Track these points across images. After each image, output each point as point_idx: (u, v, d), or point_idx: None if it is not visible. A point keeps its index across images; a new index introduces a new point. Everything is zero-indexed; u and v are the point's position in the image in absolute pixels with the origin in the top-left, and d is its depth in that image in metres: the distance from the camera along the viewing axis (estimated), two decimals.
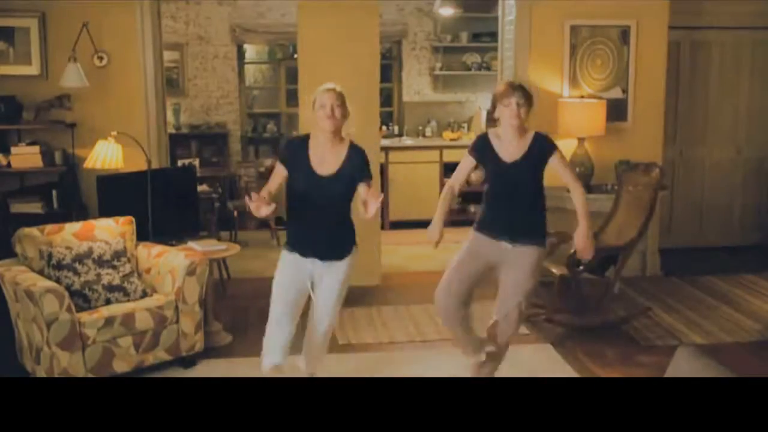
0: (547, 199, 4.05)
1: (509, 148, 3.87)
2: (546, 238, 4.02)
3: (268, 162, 8.49)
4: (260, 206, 3.56)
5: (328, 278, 3.87)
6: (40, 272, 4.37)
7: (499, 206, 3.96)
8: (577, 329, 5.19)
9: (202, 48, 9.24)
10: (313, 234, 3.82)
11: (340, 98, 3.71)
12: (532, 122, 4.02)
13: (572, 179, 3.94)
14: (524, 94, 3.80)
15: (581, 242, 3.95)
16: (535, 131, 3.93)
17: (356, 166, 3.75)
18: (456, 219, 8.61)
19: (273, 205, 3.61)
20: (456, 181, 4.04)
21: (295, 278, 3.84)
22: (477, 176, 4.00)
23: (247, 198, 3.59)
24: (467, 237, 4.08)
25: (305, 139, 3.83)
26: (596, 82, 6.36)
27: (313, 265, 3.84)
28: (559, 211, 6.09)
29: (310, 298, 3.92)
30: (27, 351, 4.31)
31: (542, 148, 3.88)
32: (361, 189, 3.71)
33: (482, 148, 3.94)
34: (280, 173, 3.83)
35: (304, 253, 3.83)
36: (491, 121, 3.99)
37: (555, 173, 3.99)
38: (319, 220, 3.81)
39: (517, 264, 3.91)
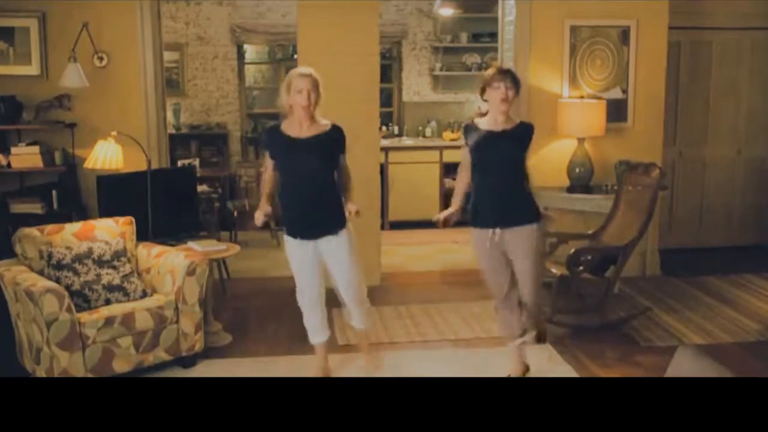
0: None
1: (495, 125, 4.09)
2: (539, 213, 4.18)
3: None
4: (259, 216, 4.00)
5: (335, 254, 4.11)
6: (40, 272, 4.37)
7: (484, 187, 4.11)
8: (577, 329, 5.19)
9: (202, 48, 9.25)
10: (303, 211, 4.06)
11: (315, 83, 3.94)
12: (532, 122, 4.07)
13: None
14: (513, 78, 4.04)
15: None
16: (521, 120, 4.19)
17: (334, 138, 4.03)
18: (456, 219, 8.61)
19: (268, 208, 4.02)
20: (461, 179, 4.25)
21: (307, 262, 4.14)
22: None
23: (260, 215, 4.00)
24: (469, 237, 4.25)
25: (278, 124, 4.08)
26: (596, 83, 6.35)
27: (315, 245, 4.09)
28: (561, 211, 6.11)
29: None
30: (27, 351, 4.31)
31: (525, 130, 4.13)
32: (341, 159, 4.08)
33: (470, 131, 4.15)
34: (269, 162, 4.10)
35: (302, 235, 4.08)
36: (480, 115, 4.23)
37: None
38: (305, 192, 4.03)
39: (518, 248, 4.08)
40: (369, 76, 6.01)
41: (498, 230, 4.07)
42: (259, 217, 4.00)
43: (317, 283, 4.20)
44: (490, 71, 4.11)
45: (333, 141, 4.04)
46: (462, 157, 4.25)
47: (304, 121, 3.98)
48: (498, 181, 4.08)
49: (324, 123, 4.05)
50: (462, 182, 4.24)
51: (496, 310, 4.34)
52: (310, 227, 4.07)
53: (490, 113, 4.10)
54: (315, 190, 4.03)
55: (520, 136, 4.09)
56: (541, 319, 4.34)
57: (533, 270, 4.12)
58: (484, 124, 4.12)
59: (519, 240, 4.06)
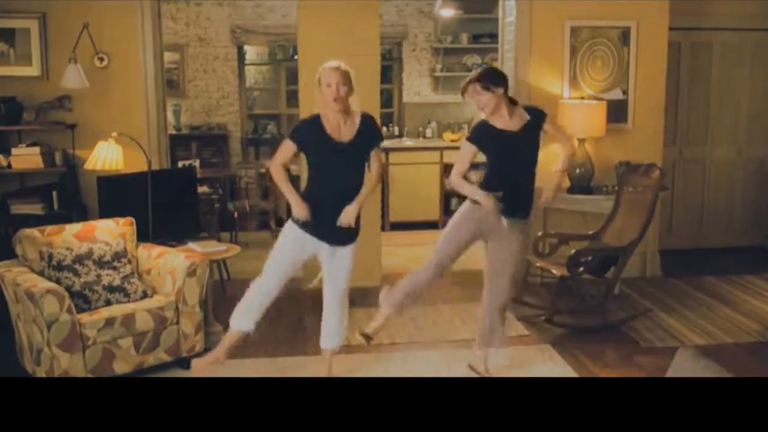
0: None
1: (507, 123, 4.06)
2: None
3: (268, 163, 8.49)
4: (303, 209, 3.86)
5: (339, 262, 4.04)
6: (41, 273, 4.37)
7: (502, 183, 4.06)
8: (577, 330, 5.19)
9: (202, 49, 9.25)
10: (329, 213, 3.89)
11: (345, 76, 3.85)
12: None
13: (563, 136, 4.28)
14: (485, 80, 3.99)
15: (549, 191, 4.24)
16: (524, 105, 4.17)
17: (370, 134, 3.93)
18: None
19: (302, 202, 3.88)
20: (462, 169, 4.14)
21: (295, 259, 4.04)
22: (477, 176, 4.13)
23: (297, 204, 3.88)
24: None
25: (317, 117, 3.92)
26: (596, 83, 6.36)
27: (320, 247, 3.99)
28: (559, 212, 6.12)
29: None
30: (27, 352, 4.31)
31: (536, 117, 4.11)
32: (372, 155, 3.96)
33: (482, 131, 4.09)
34: (289, 148, 3.92)
35: (316, 235, 3.94)
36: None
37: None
38: (339, 196, 3.90)
39: (510, 239, 4.11)
40: (369, 76, 6.01)
41: (505, 219, 4.08)
42: (304, 211, 3.85)
43: (282, 280, 4.05)
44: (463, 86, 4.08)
45: (369, 139, 3.93)
46: (461, 155, 4.15)
47: (340, 117, 3.86)
48: (517, 179, 4.10)
49: (356, 115, 3.92)
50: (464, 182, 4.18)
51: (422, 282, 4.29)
52: (334, 234, 3.94)
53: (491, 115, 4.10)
54: (347, 193, 3.91)
55: (534, 131, 4.10)
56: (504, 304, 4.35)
57: (517, 258, 4.23)
58: (496, 122, 4.08)
59: (515, 232, 4.14)
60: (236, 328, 4.15)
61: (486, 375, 4.36)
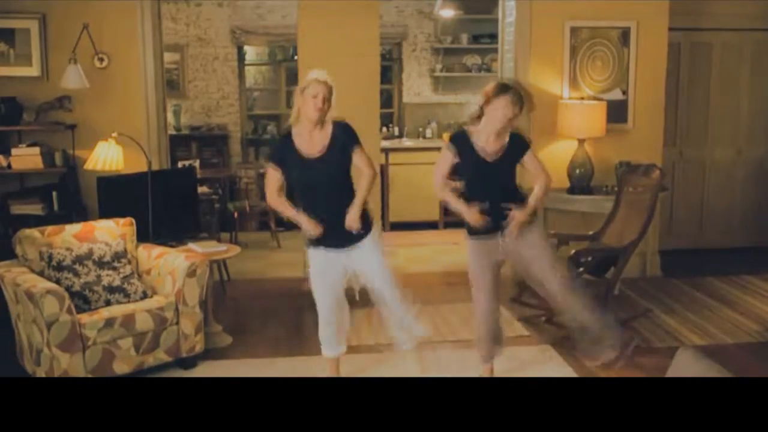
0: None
1: (486, 145, 3.94)
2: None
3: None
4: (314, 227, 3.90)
5: (365, 260, 4.03)
6: (41, 273, 4.37)
7: (479, 199, 3.97)
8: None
9: (202, 49, 9.25)
10: (326, 223, 3.92)
11: (330, 91, 3.87)
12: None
13: (539, 171, 4.05)
14: (517, 94, 3.86)
15: (515, 220, 3.98)
16: (511, 132, 3.98)
17: (343, 141, 3.92)
18: (456, 220, 8.62)
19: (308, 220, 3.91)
20: (441, 177, 4.02)
21: (331, 275, 4.05)
22: (460, 185, 4.07)
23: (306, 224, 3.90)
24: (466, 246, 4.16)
25: (288, 135, 3.96)
26: (596, 84, 6.36)
27: (341, 254, 4.00)
28: (559, 212, 6.12)
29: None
30: (27, 352, 4.31)
31: (517, 146, 3.98)
32: (355, 158, 3.95)
33: (463, 142, 3.98)
34: (274, 172, 3.98)
35: (328, 244, 3.97)
36: (475, 118, 4.01)
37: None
38: (327, 206, 3.92)
39: (526, 244, 4.02)
40: (369, 77, 6.02)
41: (501, 239, 4.01)
42: (315, 228, 3.88)
43: (335, 293, 4.10)
44: (491, 88, 3.91)
45: (343, 146, 3.92)
46: (440, 161, 4.03)
47: (313, 128, 3.87)
48: (494, 199, 3.98)
49: (329, 125, 3.92)
50: (449, 192, 4.04)
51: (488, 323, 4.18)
52: (337, 237, 3.94)
53: (485, 128, 3.93)
54: (333, 202, 3.92)
55: (513, 158, 3.98)
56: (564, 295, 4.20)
57: (547, 252, 4.12)
58: (477, 138, 3.95)
59: (525, 237, 4.04)
60: (325, 356, 4.30)
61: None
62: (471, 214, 3.94)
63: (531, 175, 4.10)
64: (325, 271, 4.04)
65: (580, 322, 4.22)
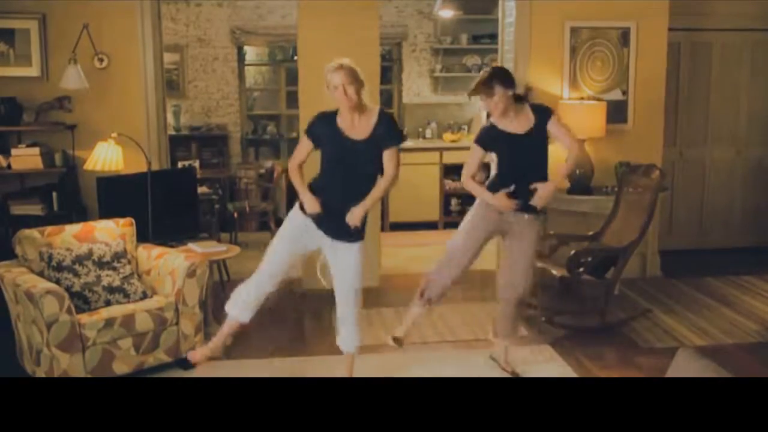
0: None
1: (513, 125, 4.12)
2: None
3: (268, 164, 8.50)
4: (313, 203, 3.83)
5: (346, 258, 3.97)
6: (40, 274, 4.37)
7: (511, 182, 4.14)
8: (577, 331, 5.19)
9: (202, 50, 9.25)
10: (336, 207, 3.86)
11: (351, 74, 3.79)
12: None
13: (567, 137, 4.19)
14: (496, 80, 4.02)
15: (540, 194, 4.13)
16: (530, 103, 4.18)
17: (383, 135, 3.88)
18: (457, 220, 8.62)
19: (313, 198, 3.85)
20: (471, 171, 4.25)
21: (297, 246, 3.99)
22: (480, 177, 4.18)
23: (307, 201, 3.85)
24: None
25: (334, 112, 3.90)
26: (596, 84, 6.36)
27: (322, 240, 3.95)
28: (559, 212, 6.11)
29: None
30: (27, 353, 4.31)
31: (542, 116, 4.14)
32: (387, 154, 3.92)
33: (488, 134, 4.19)
34: (305, 144, 3.94)
35: (320, 225, 3.91)
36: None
37: (556, 175, 4.13)
38: (347, 192, 3.87)
39: (523, 233, 4.18)
40: (369, 77, 5.94)
41: (518, 213, 4.16)
42: (315, 206, 3.83)
43: (289, 267, 4.02)
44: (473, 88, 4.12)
45: (384, 139, 3.88)
46: (471, 157, 4.26)
47: (354, 114, 3.83)
48: (527, 175, 4.15)
49: (373, 113, 3.87)
50: (476, 184, 4.26)
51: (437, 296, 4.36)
52: (335, 227, 3.90)
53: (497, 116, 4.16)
54: (355, 190, 3.87)
55: (540, 132, 4.14)
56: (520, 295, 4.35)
57: (530, 253, 4.27)
58: (503, 125, 4.16)
59: (529, 227, 4.21)
60: (230, 316, 4.10)
61: (507, 369, 4.42)
62: (500, 200, 4.11)
63: (560, 143, 4.26)
64: (299, 238, 3.95)
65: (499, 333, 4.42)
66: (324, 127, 3.88)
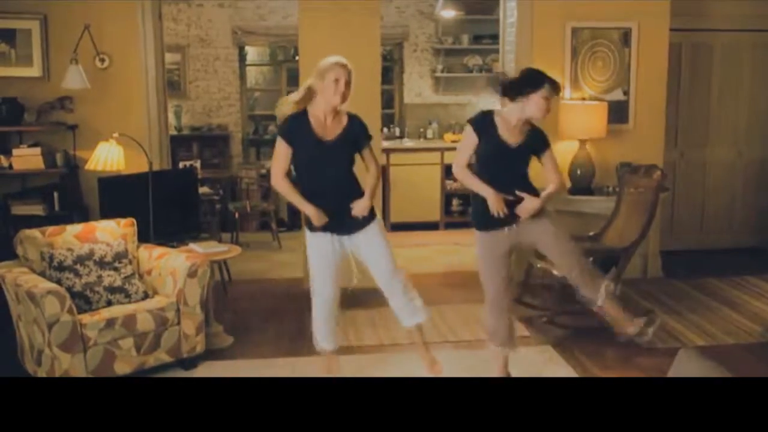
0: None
1: (509, 134, 3.90)
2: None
3: (269, 164, 8.50)
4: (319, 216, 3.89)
5: (369, 243, 4.02)
6: (42, 274, 4.37)
7: (490, 182, 3.92)
8: (578, 331, 5.19)
9: (203, 50, 9.26)
10: (329, 208, 3.92)
11: (350, 74, 3.86)
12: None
13: (553, 172, 4.06)
14: (557, 86, 3.89)
15: (525, 205, 3.93)
16: (532, 126, 4.00)
17: (357, 134, 3.95)
18: (457, 221, 8.62)
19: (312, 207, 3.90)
20: (464, 158, 3.96)
21: (330, 260, 4.01)
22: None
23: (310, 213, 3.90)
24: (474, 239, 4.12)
25: (304, 113, 3.92)
26: (597, 84, 6.36)
27: (341, 241, 4.00)
28: (560, 213, 6.11)
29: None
30: (28, 353, 4.31)
31: (538, 140, 3.99)
32: (365, 153, 4.01)
33: (486, 122, 3.92)
34: (283, 148, 3.92)
35: (331, 229, 3.96)
36: (509, 92, 3.89)
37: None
38: (332, 192, 3.93)
39: (540, 229, 4.00)
40: (370, 77, 6.01)
41: (514, 226, 3.98)
42: (322, 218, 3.88)
43: (334, 283, 4.06)
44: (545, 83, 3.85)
45: (356, 139, 3.95)
46: (464, 143, 3.96)
47: (329, 113, 3.87)
48: (509, 186, 3.93)
49: (343, 114, 3.93)
50: (471, 175, 3.97)
51: (499, 315, 4.17)
52: (343, 223, 3.95)
53: (510, 115, 3.90)
54: (339, 189, 3.94)
55: (533, 149, 3.98)
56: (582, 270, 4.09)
57: (563, 236, 4.07)
58: (500, 122, 3.91)
59: (539, 225, 4.00)
60: (321, 350, 4.27)
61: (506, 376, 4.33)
62: (496, 200, 3.85)
63: (546, 173, 4.07)
64: (328, 254, 3.99)
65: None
66: (298, 127, 3.90)
